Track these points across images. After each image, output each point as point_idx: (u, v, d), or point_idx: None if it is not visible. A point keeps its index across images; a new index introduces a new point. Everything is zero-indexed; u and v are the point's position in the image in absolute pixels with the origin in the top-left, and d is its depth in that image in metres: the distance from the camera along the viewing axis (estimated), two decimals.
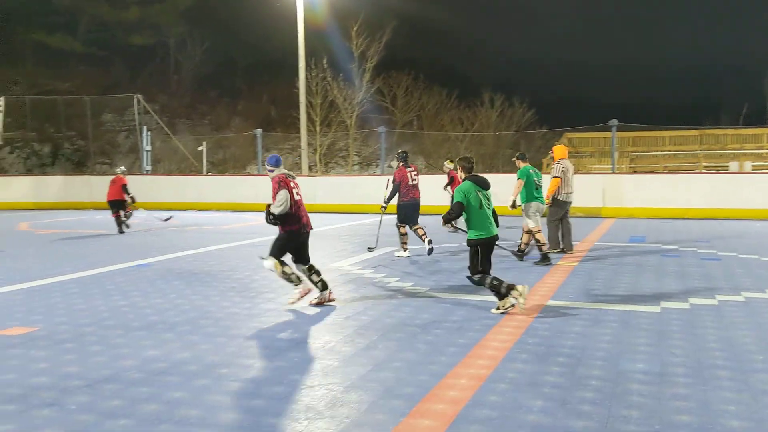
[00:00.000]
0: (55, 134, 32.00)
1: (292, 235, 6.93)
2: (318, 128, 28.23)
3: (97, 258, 10.71)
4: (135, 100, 26.96)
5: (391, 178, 10.75)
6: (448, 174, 14.15)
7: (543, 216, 10.45)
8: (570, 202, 10.95)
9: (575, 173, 11.44)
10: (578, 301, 7.17)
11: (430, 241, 10.31)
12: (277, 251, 6.92)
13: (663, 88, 51.56)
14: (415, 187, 10.71)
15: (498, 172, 28.76)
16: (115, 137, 34.80)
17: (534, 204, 10.10)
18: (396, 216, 10.78)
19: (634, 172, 26.68)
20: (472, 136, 30.20)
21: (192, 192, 22.36)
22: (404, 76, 32.22)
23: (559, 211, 10.83)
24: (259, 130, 25.47)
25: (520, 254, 10.21)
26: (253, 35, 39.37)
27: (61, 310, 6.89)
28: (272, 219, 6.77)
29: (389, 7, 29.67)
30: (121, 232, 14.59)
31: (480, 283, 6.62)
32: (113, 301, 7.34)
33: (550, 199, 10.77)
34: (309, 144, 26.82)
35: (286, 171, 7.11)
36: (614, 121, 20.10)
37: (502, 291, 6.48)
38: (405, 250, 10.77)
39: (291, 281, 6.93)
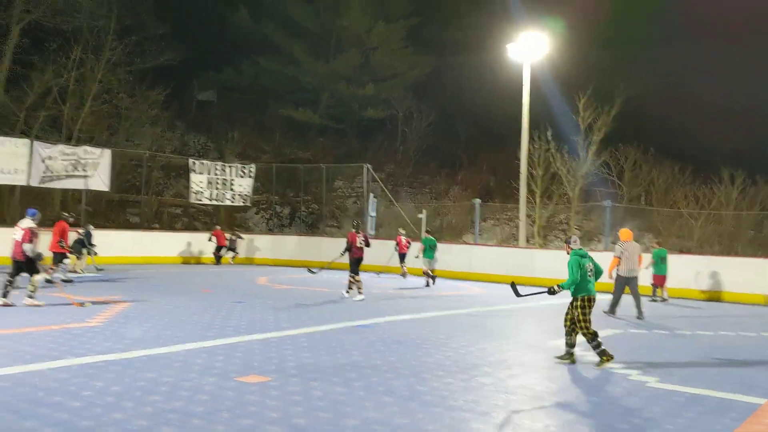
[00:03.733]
0: (294, 198, 35.20)
1: None
2: (538, 200, 27.86)
3: (325, 316, 11.40)
4: (364, 169, 28.84)
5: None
6: (396, 238, 21.08)
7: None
8: (633, 278, 12.80)
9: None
10: None
11: (348, 291, 14.29)
12: None
13: None
14: (361, 249, 14.19)
15: (737, 254, 26.00)
16: (344, 202, 37.37)
17: (426, 259, 18.56)
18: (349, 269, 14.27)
19: None
20: (708, 215, 27.75)
21: (409, 256, 23.06)
22: (632, 149, 30.84)
23: (621, 285, 12.82)
24: (477, 200, 25.76)
25: (431, 279, 18.21)
26: (477, 107, 40.37)
27: (292, 363, 7.38)
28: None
29: (620, 78, 28.79)
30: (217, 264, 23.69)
31: None
32: (337, 358, 7.71)
33: (613, 273, 12.75)
34: (528, 216, 26.53)
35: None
36: None
37: None
38: (360, 293, 14.02)
39: None
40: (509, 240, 31.29)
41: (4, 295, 10.98)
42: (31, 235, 10.92)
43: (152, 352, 7.61)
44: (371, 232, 26.21)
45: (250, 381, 6.44)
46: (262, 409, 5.52)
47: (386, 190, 31.04)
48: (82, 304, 11.25)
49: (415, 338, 9.41)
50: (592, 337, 7.73)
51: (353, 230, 14.50)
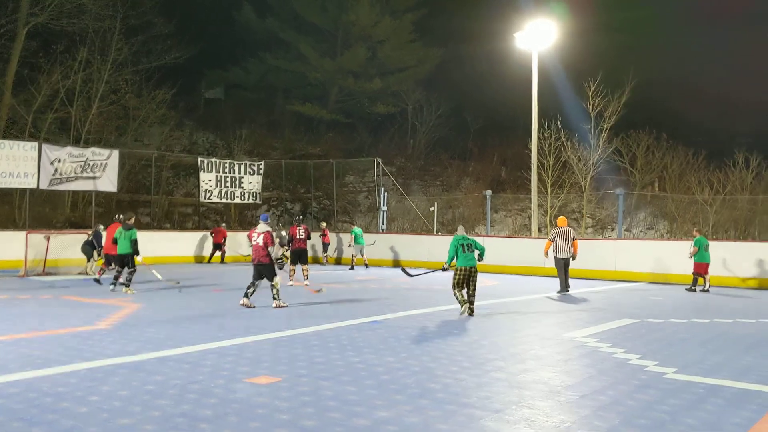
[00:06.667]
0: (304, 194, 35.12)
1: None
2: (549, 189, 27.60)
3: (336, 312, 11.30)
4: (375, 163, 28.73)
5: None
6: (323, 231, 23.94)
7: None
8: (564, 258, 15.13)
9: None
10: None
11: (305, 280, 15.61)
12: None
13: None
14: (302, 240, 15.70)
15: (754, 239, 25.70)
16: (356, 197, 37.26)
17: (358, 246, 21.94)
18: (290, 260, 16.16)
19: None
20: (723, 200, 27.39)
21: (422, 250, 23.00)
22: (644, 135, 30.45)
23: (558, 265, 15.20)
24: (488, 192, 25.59)
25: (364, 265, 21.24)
26: (486, 98, 40.15)
27: (303, 362, 7.28)
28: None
29: (629, 64, 28.43)
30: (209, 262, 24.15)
31: None
32: (348, 356, 7.61)
33: (547, 253, 15.49)
34: (539, 205, 26.30)
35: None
36: None
37: None
38: (291, 279, 15.96)
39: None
40: (521, 231, 31.08)
41: (246, 296, 11.58)
42: (271, 238, 11.50)
43: (161, 355, 7.54)
44: (383, 226, 26.13)
45: (260, 382, 6.35)
46: (272, 411, 5.42)
47: (397, 184, 30.90)
48: (320, 290, 13.39)
49: (427, 333, 9.29)
50: (455, 292, 11.08)
51: (294, 224, 16.09)
